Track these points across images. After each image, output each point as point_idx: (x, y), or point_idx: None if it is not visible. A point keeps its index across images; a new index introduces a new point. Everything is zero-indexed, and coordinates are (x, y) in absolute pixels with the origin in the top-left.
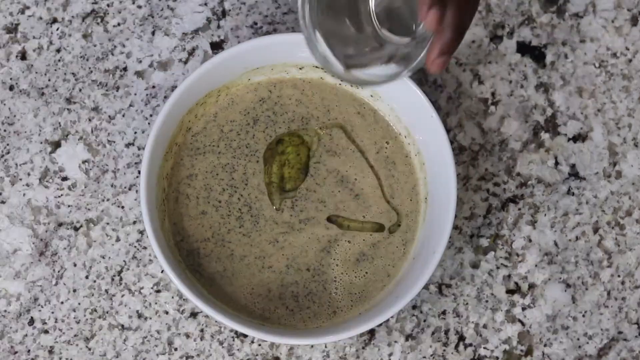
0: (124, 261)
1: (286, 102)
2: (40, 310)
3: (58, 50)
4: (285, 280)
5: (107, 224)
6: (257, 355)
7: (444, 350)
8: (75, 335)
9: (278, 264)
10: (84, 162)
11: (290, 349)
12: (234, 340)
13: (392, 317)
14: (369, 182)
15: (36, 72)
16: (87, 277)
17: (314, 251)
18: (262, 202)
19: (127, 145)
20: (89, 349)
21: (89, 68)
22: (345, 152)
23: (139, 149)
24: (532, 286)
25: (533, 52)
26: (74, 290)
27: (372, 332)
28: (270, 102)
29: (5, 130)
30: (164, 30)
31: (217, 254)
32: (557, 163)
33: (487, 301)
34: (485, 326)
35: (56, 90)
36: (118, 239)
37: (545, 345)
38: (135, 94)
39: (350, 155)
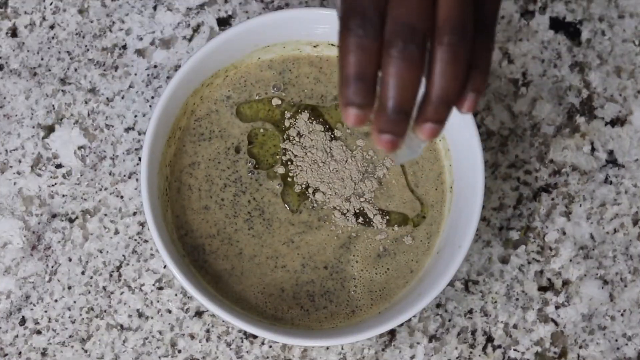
0: (123, 256)
1: (303, 81)
2: (32, 309)
3: (52, 27)
4: (300, 280)
5: (105, 215)
6: (267, 357)
7: (471, 352)
8: (70, 336)
9: (293, 263)
10: (79, 148)
11: (303, 351)
12: (242, 341)
13: (414, 316)
14: (393, 169)
15: (28, 51)
16: (83, 273)
17: (333, 248)
18: (275, 205)
19: (127, 129)
20: (85, 351)
21: (85, 46)
22: (368, 136)
23: (139, 133)
24: (566, 283)
25: (567, 29)
26: (69, 288)
27: (392, 333)
28: (285, 81)
29: None
30: (166, 4)
31: (224, 251)
32: (593, 149)
33: (517, 299)
34: (515, 326)
35: (49, 70)
36: (117, 232)
37: (580, 347)
38: (136, 74)
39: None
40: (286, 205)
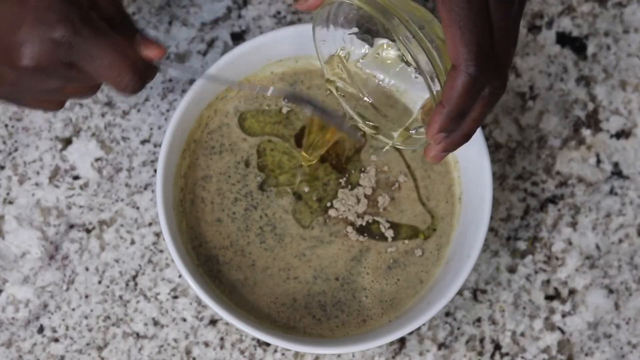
0: (139, 265)
1: (315, 92)
2: (50, 318)
3: None
4: (312, 290)
5: (121, 225)
6: None
7: (479, 359)
8: (87, 344)
9: (304, 275)
10: (96, 160)
11: (315, 359)
12: (255, 349)
13: (423, 324)
14: (404, 184)
15: None
16: (99, 282)
17: (344, 261)
18: (287, 221)
19: (143, 142)
20: (102, 359)
21: None
22: (382, 151)
23: (155, 146)
24: (572, 292)
25: (573, 44)
26: (86, 296)
27: (402, 341)
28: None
29: (13, 127)
30: (181, 20)
31: (238, 262)
32: (599, 161)
33: (524, 308)
34: (522, 334)
35: None
36: (133, 242)
37: (586, 355)
38: (151, 88)
39: (387, 154)
40: (297, 222)
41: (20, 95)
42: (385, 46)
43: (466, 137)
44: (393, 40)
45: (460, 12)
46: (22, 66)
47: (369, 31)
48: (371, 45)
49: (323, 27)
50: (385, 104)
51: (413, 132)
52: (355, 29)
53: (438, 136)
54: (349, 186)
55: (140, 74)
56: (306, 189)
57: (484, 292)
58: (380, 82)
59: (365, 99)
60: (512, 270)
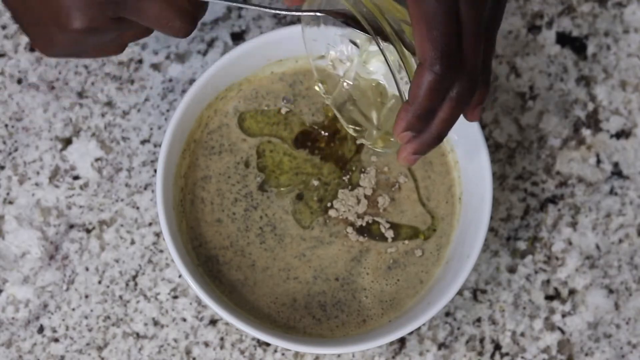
0: (139, 265)
1: (314, 93)
2: (50, 318)
3: None
4: (312, 290)
5: (121, 225)
6: None
7: (479, 359)
8: (87, 344)
9: (304, 275)
10: (96, 160)
11: (315, 359)
12: (255, 349)
13: (423, 324)
14: (405, 185)
15: (46, 65)
16: (99, 282)
17: (344, 261)
18: (287, 222)
19: (143, 142)
20: (102, 359)
21: (102, 60)
22: (381, 152)
23: (155, 146)
24: (572, 292)
25: (573, 44)
26: (86, 296)
27: (402, 341)
28: (295, 92)
29: (13, 127)
30: None
31: (238, 262)
32: (599, 161)
33: (524, 308)
34: (522, 334)
35: (67, 84)
36: (133, 242)
37: (586, 355)
38: (151, 88)
39: (387, 155)
40: (297, 222)
41: (79, 51)
42: (374, 50)
43: (437, 139)
44: (374, 41)
45: (428, 9)
46: (74, 29)
47: (357, 30)
48: (359, 47)
49: (314, 24)
50: (370, 107)
51: (393, 138)
52: (346, 29)
53: (405, 135)
54: (349, 187)
55: (190, 15)
56: (315, 182)
57: (484, 292)
58: (368, 85)
59: (351, 101)
60: (512, 270)
